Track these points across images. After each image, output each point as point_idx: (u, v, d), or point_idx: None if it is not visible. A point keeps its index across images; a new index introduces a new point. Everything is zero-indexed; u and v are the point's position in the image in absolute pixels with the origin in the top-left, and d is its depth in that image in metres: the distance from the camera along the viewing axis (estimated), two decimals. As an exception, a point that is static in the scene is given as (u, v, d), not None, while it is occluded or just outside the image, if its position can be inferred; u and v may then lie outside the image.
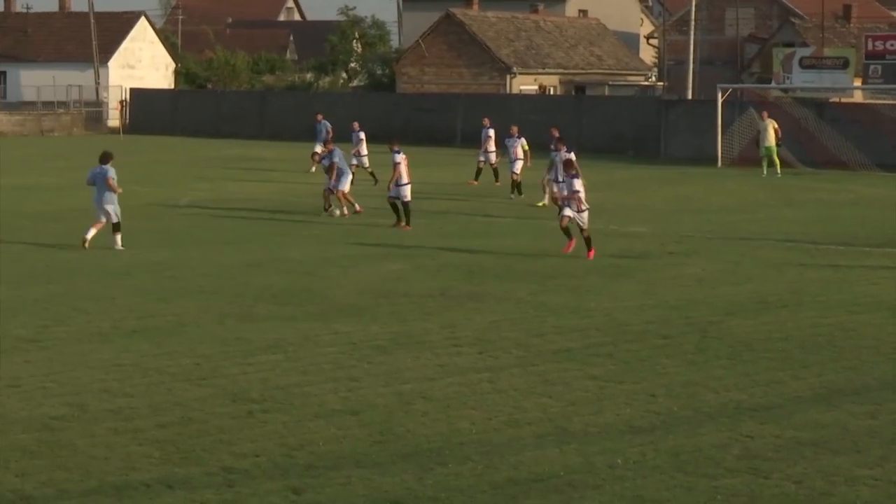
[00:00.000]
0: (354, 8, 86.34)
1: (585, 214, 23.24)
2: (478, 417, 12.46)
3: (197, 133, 64.09)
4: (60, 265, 22.04)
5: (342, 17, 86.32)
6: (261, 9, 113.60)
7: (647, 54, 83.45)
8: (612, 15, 79.35)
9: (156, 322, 17.05)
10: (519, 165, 34.21)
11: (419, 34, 69.98)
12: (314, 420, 12.33)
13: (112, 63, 74.09)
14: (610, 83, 71.79)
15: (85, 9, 73.60)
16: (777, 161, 42.22)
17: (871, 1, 72.64)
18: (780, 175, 41.48)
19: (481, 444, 11.56)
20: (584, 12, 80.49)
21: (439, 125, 59.13)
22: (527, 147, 34.62)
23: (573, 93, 68.30)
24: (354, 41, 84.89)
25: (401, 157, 27.35)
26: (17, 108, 69.80)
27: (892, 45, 53.51)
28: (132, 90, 70.31)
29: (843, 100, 55.37)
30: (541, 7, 76.38)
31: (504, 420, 12.38)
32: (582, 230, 23.16)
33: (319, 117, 44.15)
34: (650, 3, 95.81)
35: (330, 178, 29.23)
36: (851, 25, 67.67)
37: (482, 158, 38.24)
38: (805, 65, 55.60)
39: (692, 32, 58.77)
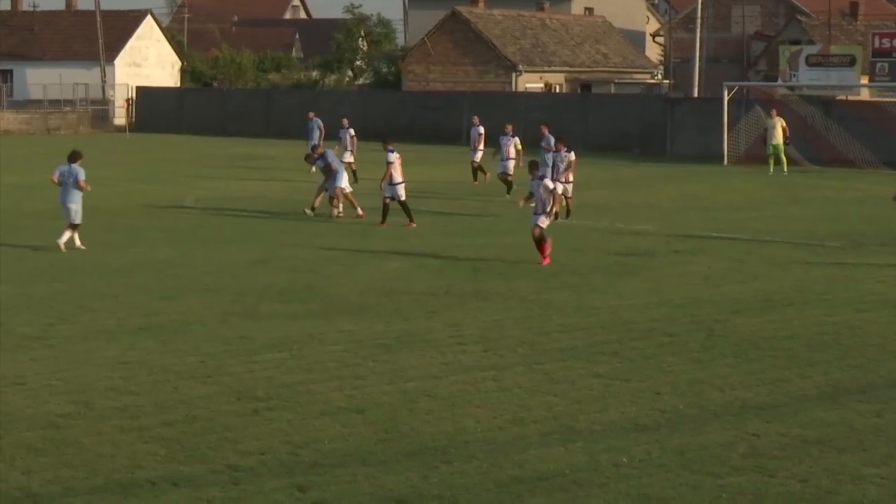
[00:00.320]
0: (360, 6, 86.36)
1: (543, 218, 21.84)
2: (483, 416, 12.45)
3: (203, 131, 64.12)
4: (65, 263, 22.05)
5: (348, 15, 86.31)
6: (266, 7, 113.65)
7: (653, 52, 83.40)
8: (617, 13, 79.31)
9: (161, 320, 17.06)
10: (511, 165, 34.13)
11: (425, 32, 69.98)
12: (319, 418, 12.33)
13: (118, 61, 74.15)
14: (616, 81, 71.74)
15: (91, 7, 73.71)
16: (784, 159, 42.21)
17: (877, -2, 72.56)
18: (786, 173, 41.46)
19: (486, 443, 11.55)
20: (589, 10, 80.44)
21: (445, 123, 59.10)
22: (520, 146, 34.55)
23: (579, 91, 68.25)
24: (360, 39, 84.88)
25: (394, 157, 27.28)
26: (24, 107, 69.87)
27: (899, 42, 53.43)
28: (138, 88, 70.37)
29: (850, 97, 55.28)
30: (546, 5, 76.35)
31: (509, 418, 12.37)
32: (535, 228, 21.91)
33: (311, 115, 43.86)
34: (656, 1, 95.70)
35: (325, 180, 29.04)
36: (858, 23, 67.57)
37: (477, 158, 38.05)
38: (812, 62, 55.48)
39: (698, 30, 58.72)
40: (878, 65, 53.59)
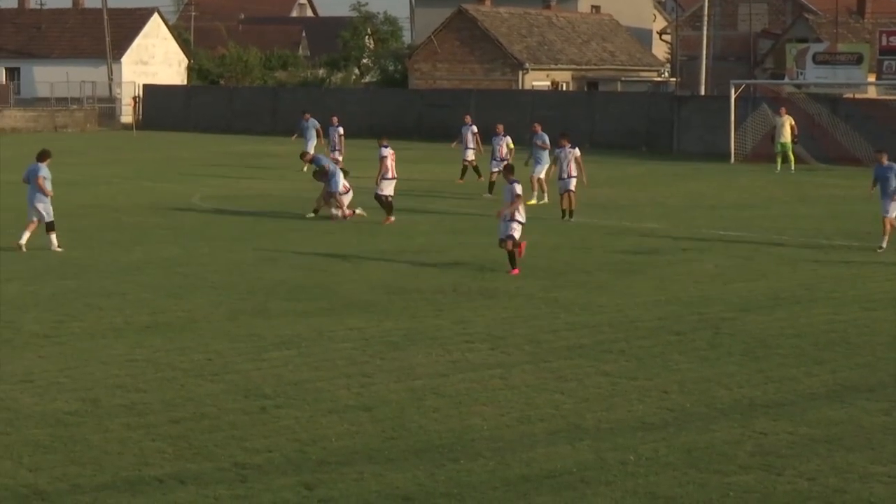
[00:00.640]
0: (367, 4, 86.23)
1: (517, 225, 20.84)
2: (490, 414, 12.45)
3: (209, 129, 64.15)
4: (73, 261, 22.08)
5: (354, 13, 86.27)
6: (273, 5, 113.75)
7: (660, 50, 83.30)
8: (624, 11, 79.24)
9: (168, 318, 17.07)
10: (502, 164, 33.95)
11: (431, 30, 69.96)
12: (327, 416, 12.34)
13: (125, 59, 74.22)
14: (622, 79, 71.67)
15: (98, 5, 73.73)
16: (792, 157, 42.18)
17: (885, -4, 72.45)
18: (793, 171, 41.42)
19: (493, 441, 11.55)
20: (596, 8, 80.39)
21: (452, 121, 58.97)
22: (511, 146, 34.48)
23: (586, 89, 68.20)
24: (367, 37, 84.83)
25: (387, 152, 27.28)
26: (31, 105, 69.95)
27: (906, 40, 53.37)
28: (145, 86, 70.42)
29: (857, 96, 55.21)
30: (553, 3, 76.31)
31: (516, 416, 12.37)
32: (501, 241, 20.91)
33: (307, 116, 43.74)
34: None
35: (325, 186, 28.77)
36: (865, 21, 67.49)
37: (471, 157, 37.98)
38: (819, 60, 55.42)
39: (705, 28, 58.65)
40: (886, 63, 53.53)
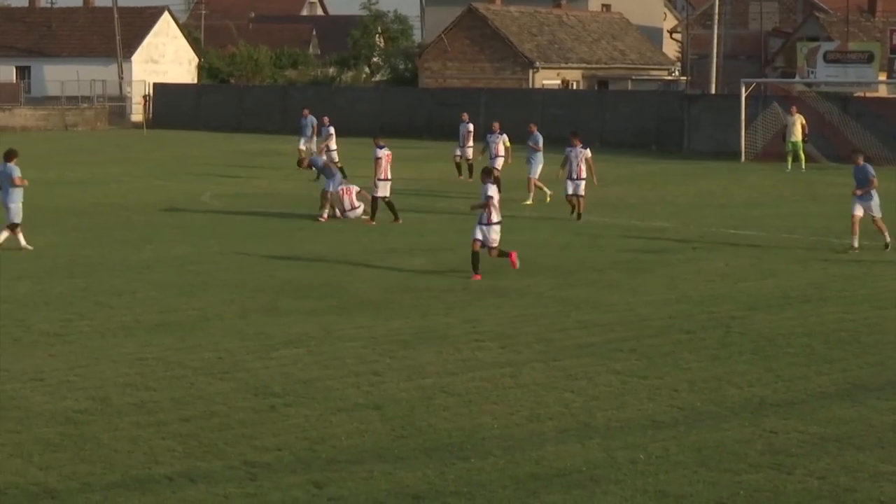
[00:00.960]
0: (377, 2, 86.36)
1: (497, 228, 20.53)
2: (500, 412, 12.45)
3: (219, 128, 64.22)
4: (82, 260, 22.11)
5: (365, 12, 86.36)
6: (283, 3, 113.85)
7: (671, 49, 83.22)
8: (634, 9, 79.18)
9: (178, 316, 17.09)
10: (500, 162, 33.95)
11: (442, 29, 69.96)
12: (336, 414, 12.34)
13: (135, 58, 74.31)
14: (633, 78, 71.63)
15: (108, 4, 73.82)
16: (802, 156, 42.12)
17: (896, -6, 72.25)
18: (804, 170, 41.35)
19: (503, 439, 11.55)
20: (606, 7, 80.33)
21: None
22: (508, 144, 34.47)
23: (596, 87, 68.16)
24: (377, 36, 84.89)
25: (382, 153, 27.15)
26: (42, 103, 70.08)
27: (917, 39, 53.26)
28: (155, 85, 70.51)
29: (868, 94, 55.09)
30: (564, 1, 76.26)
31: (526, 415, 12.36)
32: (490, 250, 20.50)
33: (306, 112, 43.74)
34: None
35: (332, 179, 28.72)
36: (876, 19, 67.31)
37: (458, 153, 38.22)
38: (829, 59, 55.33)
39: (716, 27, 58.56)
40: (897, 61, 53.40)
